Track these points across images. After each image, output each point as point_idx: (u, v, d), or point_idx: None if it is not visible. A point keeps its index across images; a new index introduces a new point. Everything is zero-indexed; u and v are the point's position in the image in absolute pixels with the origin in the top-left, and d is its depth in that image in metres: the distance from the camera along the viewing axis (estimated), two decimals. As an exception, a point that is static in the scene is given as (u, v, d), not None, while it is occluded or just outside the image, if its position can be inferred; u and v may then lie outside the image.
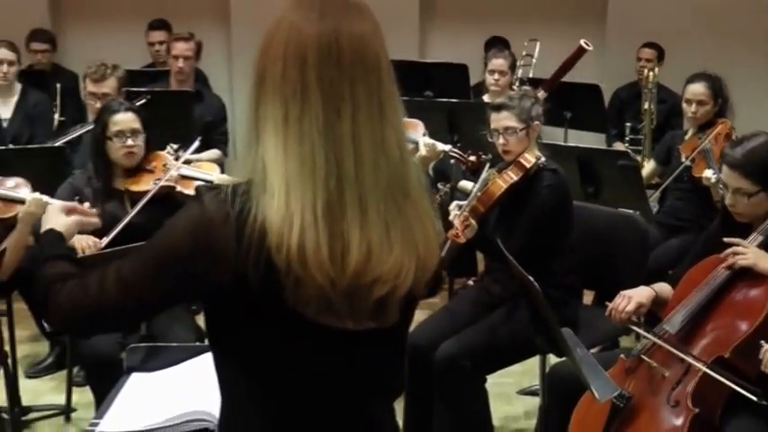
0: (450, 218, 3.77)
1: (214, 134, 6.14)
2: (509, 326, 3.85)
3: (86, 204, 3.90)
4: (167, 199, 4.09)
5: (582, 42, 5.96)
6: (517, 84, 6.43)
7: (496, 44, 7.18)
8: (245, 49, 7.45)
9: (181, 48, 6.27)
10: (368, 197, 1.60)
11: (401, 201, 1.64)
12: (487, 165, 4.15)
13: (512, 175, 3.93)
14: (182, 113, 5.70)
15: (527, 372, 4.60)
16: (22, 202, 3.87)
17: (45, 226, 2.08)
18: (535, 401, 4.20)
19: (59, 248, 1.97)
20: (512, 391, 4.80)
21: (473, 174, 4.53)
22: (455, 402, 3.85)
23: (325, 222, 1.56)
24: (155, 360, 2.53)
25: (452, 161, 4.73)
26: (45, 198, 3.87)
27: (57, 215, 2.14)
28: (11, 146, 5.66)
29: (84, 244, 3.84)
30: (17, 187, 3.97)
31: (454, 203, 3.86)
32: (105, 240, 3.87)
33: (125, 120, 4.17)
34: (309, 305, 1.61)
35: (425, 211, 1.70)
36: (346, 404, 1.74)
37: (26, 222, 3.84)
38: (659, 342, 3.17)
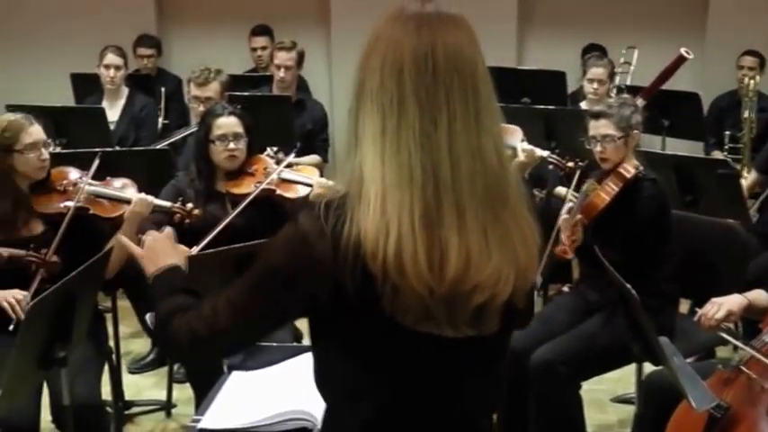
0: (558, 231, 3.75)
1: (315, 140, 6.21)
2: (605, 333, 3.81)
3: (189, 205, 4.01)
4: (268, 202, 4.14)
5: (682, 51, 5.86)
6: (615, 92, 6.35)
7: (594, 51, 7.11)
8: (344, 53, 7.52)
9: (283, 57, 6.33)
10: (465, 205, 1.60)
11: (499, 208, 1.63)
12: (581, 175, 4.12)
13: (613, 186, 3.90)
14: (282, 119, 5.76)
15: (621, 379, 4.53)
16: (128, 202, 3.95)
17: (161, 261, 2.00)
18: (629, 410, 4.14)
19: (177, 281, 1.96)
20: (605, 399, 4.74)
21: (569, 179, 4.49)
22: (550, 408, 3.82)
23: (422, 230, 1.57)
24: (255, 359, 2.57)
25: (550, 167, 4.69)
26: (150, 198, 3.96)
27: (169, 247, 2.06)
28: (117, 147, 5.80)
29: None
30: (124, 188, 4.05)
31: (562, 218, 3.82)
32: (204, 241, 3.93)
33: (228, 124, 4.23)
34: (408, 313, 1.62)
35: (524, 218, 1.69)
36: (445, 411, 1.74)
37: (132, 222, 3.92)
38: (756, 355, 3.10)
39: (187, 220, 4.00)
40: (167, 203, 4.03)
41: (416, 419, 1.73)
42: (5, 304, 3.54)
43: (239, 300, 1.72)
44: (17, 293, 3.57)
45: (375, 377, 1.70)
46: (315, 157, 6.09)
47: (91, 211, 3.94)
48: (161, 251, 2.02)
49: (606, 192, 3.90)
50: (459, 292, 1.61)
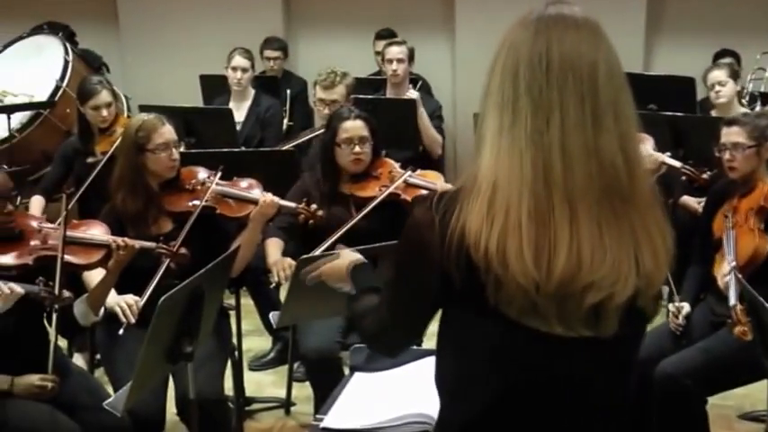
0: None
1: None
2: (735, 347, 3.71)
3: (313, 206, 4.06)
4: (391, 206, 4.16)
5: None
6: (747, 99, 6.19)
7: (726, 57, 6.93)
8: (468, 56, 7.54)
9: (394, 51, 6.36)
10: (578, 203, 1.60)
11: (619, 207, 1.63)
12: (709, 184, 4.02)
13: (759, 225, 3.81)
14: (405, 122, 5.78)
15: (749, 395, 4.41)
16: (254, 202, 4.02)
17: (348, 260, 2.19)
18: (758, 428, 4.03)
19: (369, 279, 2.09)
20: (733, 415, 4.61)
21: (700, 190, 4.40)
22: (674, 422, 3.74)
23: (529, 227, 1.59)
24: (377, 361, 2.59)
25: (683, 177, 4.60)
26: (276, 199, 4.02)
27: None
28: (243, 148, 5.91)
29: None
30: (250, 188, 4.12)
31: (729, 277, 3.72)
32: (328, 243, 3.98)
33: (354, 127, 4.27)
34: (512, 305, 1.63)
35: (655, 220, 1.67)
36: (556, 413, 1.73)
37: (258, 222, 3.99)
38: None
39: (311, 221, 4.06)
40: (292, 204, 4.09)
41: (525, 421, 1.72)
42: (118, 309, 3.65)
43: (387, 292, 1.87)
44: (129, 298, 3.67)
45: (483, 372, 1.71)
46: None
47: (218, 211, 4.02)
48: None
49: (753, 234, 3.80)
50: (569, 290, 1.61)
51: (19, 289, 3.27)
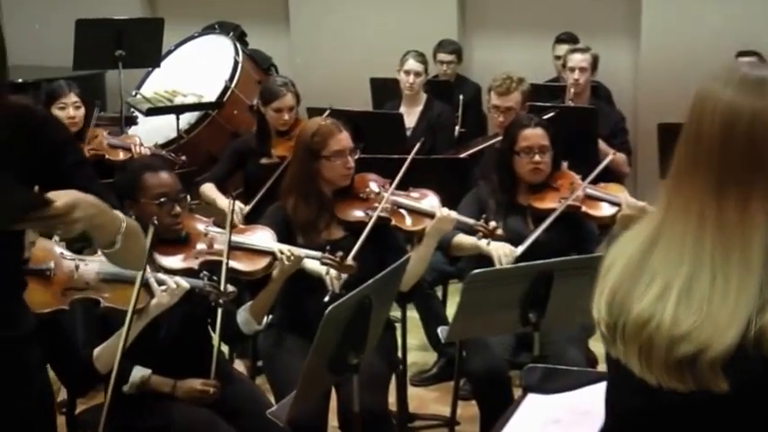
0: None
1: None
2: None
3: (492, 224, 4.01)
4: (571, 218, 4.13)
5: None
6: None
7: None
8: (653, 67, 7.40)
9: (577, 59, 6.32)
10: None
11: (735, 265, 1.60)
12: None
13: None
14: (584, 131, 5.72)
15: None
16: (431, 216, 4.01)
17: None
18: None
19: None
20: None
21: None
22: None
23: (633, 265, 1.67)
24: (552, 382, 2.57)
25: None
26: (453, 215, 4.00)
27: None
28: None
29: (501, 252, 4.00)
30: (427, 200, 4.10)
31: None
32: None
33: (534, 135, 4.26)
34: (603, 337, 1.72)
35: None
36: None
37: (433, 237, 3.99)
38: None
39: (489, 239, 4.04)
40: (470, 221, 4.05)
41: None
42: (327, 279, 3.73)
43: None
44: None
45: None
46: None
47: (393, 223, 4.05)
48: None
49: None
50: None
51: (185, 283, 3.39)
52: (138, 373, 3.47)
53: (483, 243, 4.02)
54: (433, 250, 4.06)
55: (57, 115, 5.33)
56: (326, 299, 3.62)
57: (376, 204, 4.02)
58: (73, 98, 5.48)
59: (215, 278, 3.46)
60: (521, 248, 4.03)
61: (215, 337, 3.57)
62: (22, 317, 2.31)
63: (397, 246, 4.09)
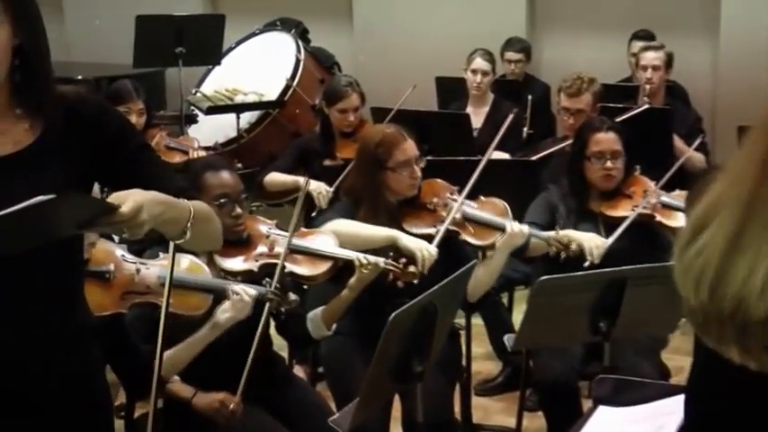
0: None
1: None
2: None
3: (565, 239, 3.99)
4: (644, 227, 4.09)
5: None
6: None
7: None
8: (733, 63, 7.32)
9: (649, 57, 6.28)
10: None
11: None
12: None
13: None
14: (659, 134, 5.67)
15: None
16: (501, 229, 3.99)
17: None
18: None
19: None
20: None
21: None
22: None
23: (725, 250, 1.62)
24: (624, 394, 2.56)
25: None
26: (527, 230, 3.97)
27: None
28: (480, 156, 5.94)
29: (593, 244, 3.98)
30: (497, 212, 4.07)
31: None
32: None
33: (607, 140, 4.23)
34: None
35: None
36: None
37: (504, 252, 3.96)
38: None
39: (563, 254, 4.01)
40: (543, 234, 4.03)
41: None
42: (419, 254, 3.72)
43: None
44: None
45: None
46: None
47: (461, 236, 4.02)
48: None
49: None
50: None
51: (252, 291, 3.41)
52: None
53: (572, 234, 4.02)
54: (503, 264, 4.03)
55: None
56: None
57: (443, 214, 3.99)
58: (139, 105, 5.46)
59: (278, 286, 3.47)
60: (611, 239, 4.00)
61: (251, 357, 3.43)
62: (81, 313, 2.34)
63: (467, 257, 4.04)
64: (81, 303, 2.35)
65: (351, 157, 5.01)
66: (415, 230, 3.97)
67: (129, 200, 1.97)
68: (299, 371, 4.93)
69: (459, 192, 4.11)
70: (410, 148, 3.96)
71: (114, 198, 1.98)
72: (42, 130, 2.18)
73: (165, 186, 2.19)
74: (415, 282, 3.68)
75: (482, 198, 4.16)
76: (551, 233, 4.01)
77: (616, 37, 7.57)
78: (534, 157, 5.47)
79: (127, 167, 2.24)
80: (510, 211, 4.08)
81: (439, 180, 4.18)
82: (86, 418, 2.33)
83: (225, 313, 3.35)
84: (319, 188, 5.16)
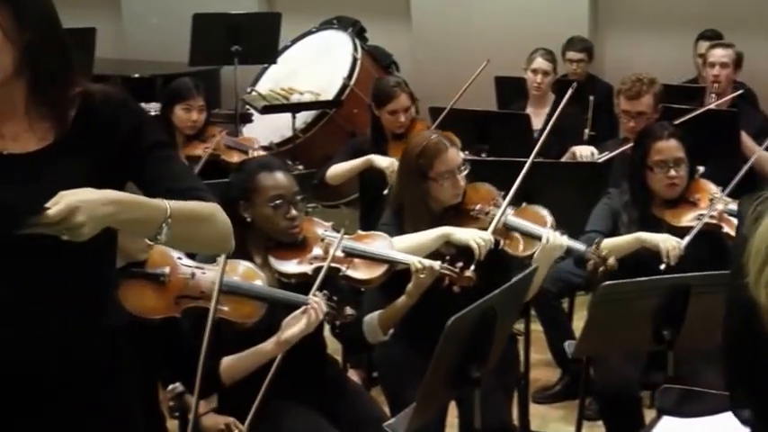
0: None
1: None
2: None
3: (604, 252, 3.93)
4: (710, 235, 4.04)
5: None
6: None
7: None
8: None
9: (717, 54, 6.23)
10: None
11: None
12: None
13: None
14: (725, 137, 5.61)
15: None
16: (540, 239, 3.92)
17: None
18: None
19: None
20: None
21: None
22: None
23: None
24: (690, 405, 2.54)
25: None
26: (564, 241, 3.91)
27: None
28: (541, 159, 5.92)
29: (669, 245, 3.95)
30: (539, 221, 4.02)
31: None
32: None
33: (668, 148, 4.19)
34: None
35: None
36: None
37: (542, 264, 3.89)
38: None
39: (601, 268, 3.91)
40: (582, 246, 3.96)
41: None
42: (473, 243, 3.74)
43: None
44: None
45: None
46: None
47: (502, 245, 3.97)
48: None
49: None
50: None
51: (324, 306, 3.38)
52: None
53: (647, 236, 3.99)
54: (543, 275, 3.97)
55: (178, 115, 5.43)
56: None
57: (486, 221, 3.95)
58: (200, 102, 5.49)
59: (335, 298, 3.47)
60: (687, 239, 3.97)
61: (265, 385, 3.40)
62: (110, 313, 2.35)
63: (510, 265, 4.03)
64: (110, 304, 2.38)
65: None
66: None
67: (61, 201, 1.93)
68: (353, 375, 4.94)
69: (505, 197, 4.07)
70: (452, 157, 3.95)
71: (55, 198, 1.94)
72: (64, 128, 2.21)
73: (170, 186, 2.19)
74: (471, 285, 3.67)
75: (525, 205, 4.12)
76: (590, 247, 3.93)
77: (681, 37, 7.50)
78: (600, 160, 5.42)
79: (136, 165, 2.24)
80: (552, 221, 4.02)
81: (485, 185, 4.14)
82: (109, 419, 2.35)
83: (292, 328, 3.33)
84: (392, 165, 5.12)
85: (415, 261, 3.61)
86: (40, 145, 2.20)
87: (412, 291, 3.63)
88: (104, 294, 2.34)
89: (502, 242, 3.97)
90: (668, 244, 3.94)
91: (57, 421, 2.27)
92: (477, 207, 4.04)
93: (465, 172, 3.99)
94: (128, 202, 2.06)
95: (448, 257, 3.72)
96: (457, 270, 3.66)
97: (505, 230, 4.00)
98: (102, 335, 2.30)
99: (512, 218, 4.03)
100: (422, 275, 3.60)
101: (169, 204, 2.10)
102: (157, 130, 2.35)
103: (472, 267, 3.70)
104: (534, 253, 3.91)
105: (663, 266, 3.90)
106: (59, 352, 2.23)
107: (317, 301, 3.35)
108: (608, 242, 4.04)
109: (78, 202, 1.94)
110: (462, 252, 3.85)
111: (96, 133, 2.22)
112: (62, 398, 2.26)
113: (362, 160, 5.36)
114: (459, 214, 4.03)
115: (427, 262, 3.62)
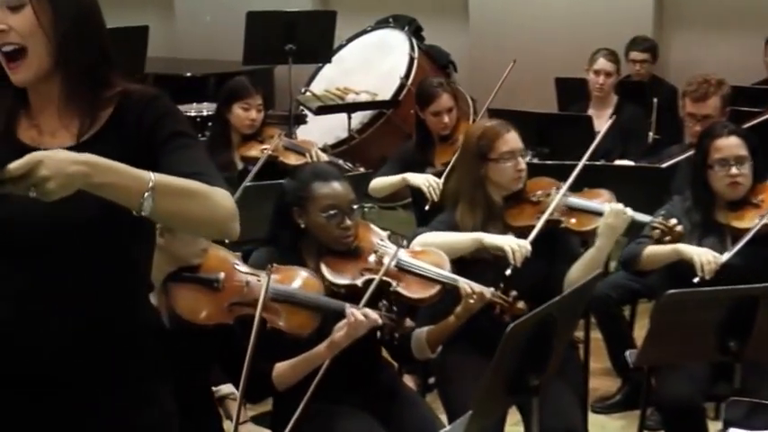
0: None
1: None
2: None
3: (672, 221, 3.94)
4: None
5: None
6: None
7: None
8: None
9: None
10: None
11: None
12: None
13: None
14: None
15: None
16: (601, 213, 3.96)
17: None
18: None
19: None
20: None
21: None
22: None
23: None
24: (759, 419, 2.52)
25: None
26: (627, 210, 3.93)
27: None
28: (603, 161, 5.89)
29: (705, 258, 3.93)
30: (599, 198, 4.08)
31: None
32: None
33: (729, 145, 4.15)
34: None
35: None
36: None
37: (607, 237, 3.91)
38: None
39: (668, 237, 3.98)
40: (647, 217, 4.02)
41: None
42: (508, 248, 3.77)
43: None
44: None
45: None
46: None
47: (563, 225, 4.03)
48: None
49: None
50: None
51: (373, 315, 3.37)
52: (230, 389, 3.55)
53: (683, 248, 3.97)
54: (607, 251, 3.99)
55: (237, 114, 5.45)
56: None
57: (546, 208, 3.99)
58: (258, 100, 5.51)
59: (395, 309, 3.47)
60: (726, 255, 3.94)
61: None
62: (140, 315, 2.38)
63: (570, 253, 4.03)
64: (141, 304, 2.40)
65: (449, 159, 5.02)
66: (516, 223, 4.00)
67: (26, 156, 1.94)
68: (408, 380, 4.94)
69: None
70: (512, 139, 4.01)
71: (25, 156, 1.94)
72: (93, 127, 2.24)
73: (180, 171, 2.18)
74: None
75: (586, 189, 4.16)
76: (657, 218, 3.99)
77: (751, 36, 7.44)
78: (664, 165, 5.37)
79: (155, 156, 2.23)
80: (613, 197, 4.07)
81: (545, 178, 4.20)
82: (109, 420, 2.35)
83: (339, 331, 3.34)
84: (427, 181, 5.16)
85: (466, 286, 3.61)
86: (74, 141, 2.23)
87: (461, 314, 3.63)
88: (114, 296, 2.33)
89: (563, 221, 4.02)
90: (704, 258, 3.92)
91: (57, 421, 2.30)
92: (539, 192, 4.10)
93: (527, 159, 4.07)
94: (103, 166, 2.03)
95: (502, 285, 3.71)
96: (510, 300, 3.67)
97: (567, 210, 4.06)
98: (106, 336, 2.31)
99: (572, 198, 4.09)
100: (471, 300, 3.60)
101: (154, 176, 2.09)
102: (178, 122, 2.32)
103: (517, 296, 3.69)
104: (596, 228, 3.94)
105: (696, 279, 3.89)
106: (59, 352, 2.25)
107: (353, 312, 3.32)
108: (647, 252, 4.07)
109: (42, 157, 1.94)
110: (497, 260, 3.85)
111: (125, 131, 2.25)
112: (62, 398, 2.29)
113: (398, 179, 5.35)
114: (520, 201, 4.07)
115: (478, 288, 3.62)
